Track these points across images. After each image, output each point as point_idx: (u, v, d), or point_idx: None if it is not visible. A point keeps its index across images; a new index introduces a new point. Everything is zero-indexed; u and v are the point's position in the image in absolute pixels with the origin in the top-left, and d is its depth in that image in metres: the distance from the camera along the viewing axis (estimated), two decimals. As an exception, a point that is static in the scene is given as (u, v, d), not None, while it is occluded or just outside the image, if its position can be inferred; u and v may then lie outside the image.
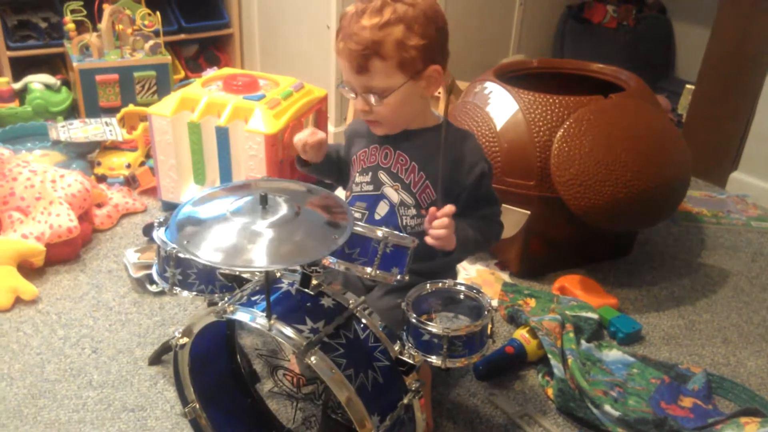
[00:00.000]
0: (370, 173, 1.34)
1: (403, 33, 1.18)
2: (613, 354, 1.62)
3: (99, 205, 2.10)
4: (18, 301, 1.75)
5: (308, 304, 1.12)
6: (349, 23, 1.20)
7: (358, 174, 1.36)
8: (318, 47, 2.63)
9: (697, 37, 2.98)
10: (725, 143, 2.51)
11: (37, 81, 2.69)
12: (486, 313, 1.12)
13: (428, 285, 1.18)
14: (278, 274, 1.18)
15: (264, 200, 1.02)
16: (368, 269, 1.13)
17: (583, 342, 1.63)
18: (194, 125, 2.01)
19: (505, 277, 1.93)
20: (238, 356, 1.35)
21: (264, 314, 1.06)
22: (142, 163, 2.36)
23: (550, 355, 1.52)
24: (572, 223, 1.77)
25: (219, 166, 2.06)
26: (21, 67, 2.78)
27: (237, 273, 1.28)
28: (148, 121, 2.08)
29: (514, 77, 2.02)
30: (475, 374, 1.55)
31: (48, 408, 1.43)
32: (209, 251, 0.96)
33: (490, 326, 1.13)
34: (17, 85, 2.68)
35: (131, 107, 2.50)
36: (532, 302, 1.77)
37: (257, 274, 1.23)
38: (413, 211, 1.31)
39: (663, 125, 1.85)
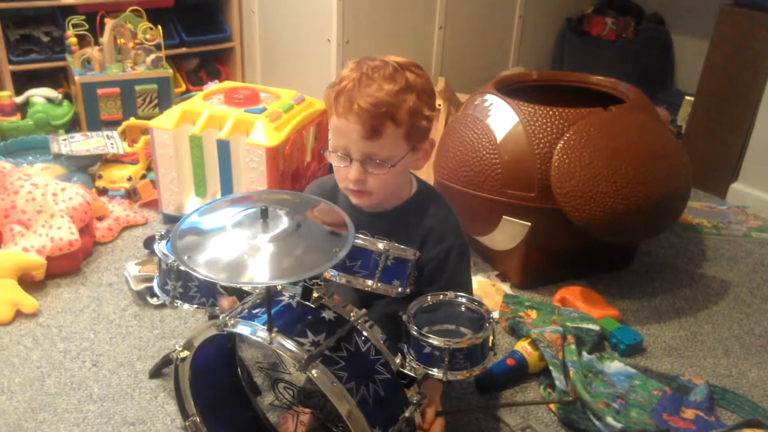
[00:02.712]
0: None
1: (415, 102, 1.18)
2: (614, 366, 1.62)
3: (100, 218, 2.10)
4: (18, 314, 1.74)
5: (309, 317, 1.12)
6: (358, 86, 1.17)
7: None
8: (318, 60, 2.65)
9: (696, 49, 2.99)
10: (725, 154, 2.51)
11: (38, 95, 2.70)
12: (487, 325, 1.12)
13: (429, 297, 1.18)
14: (279, 287, 1.18)
15: (265, 214, 1.02)
16: (369, 282, 1.13)
17: (584, 354, 1.62)
18: (195, 138, 2.02)
19: (506, 288, 1.92)
20: (239, 369, 1.35)
21: (265, 327, 1.06)
22: (143, 176, 2.37)
23: (551, 367, 1.51)
24: (573, 234, 1.77)
25: (220, 178, 2.06)
26: (23, 81, 2.80)
27: (238, 286, 1.29)
28: (149, 134, 2.09)
29: (513, 89, 2.03)
30: (476, 386, 1.54)
31: (48, 422, 1.42)
32: (210, 267, 0.96)
33: (491, 338, 1.13)
34: (19, 99, 2.69)
35: (132, 120, 2.50)
36: (534, 314, 1.77)
37: (258, 287, 1.23)
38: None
39: (663, 137, 1.86)
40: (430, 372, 1.10)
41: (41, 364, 1.58)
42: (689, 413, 1.46)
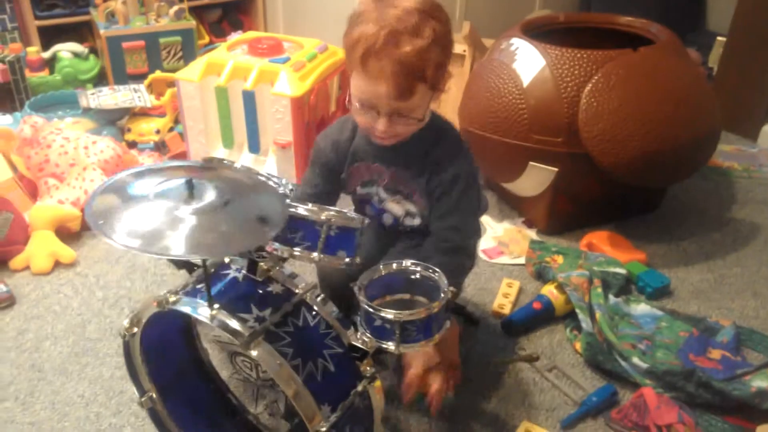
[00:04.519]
0: (371, 188, 1.36)
1: (439, 55, 1.16)
2: (641, 308, 1.63)
3: (131, 171, 2.13)
4: (57, 264, 1.80)
5: (255, 292, 1.07)
6: (385, 46, 1.13)
7: (359, 187, 1.37)
8: (341, 8, 2.60)
9: (729, -13, 2.89)
10: (757, 96, 2.46)
11: (65, 49, 2.72)
12: (442, 295, 1.07)
13: (381, 267, 1.13)
14: (227, 260, 1.12)
15: (190, 186, 0.95)
16: (314, 254, 1.07)
17: (611, 297, 1.63)
18: (221, 90, 2.03)
19: (533, 234, 1.93)
20: (199, 342, 1.30)
21: (206, 304, 1.00)
22: (171, 129, 2.39)
23: (578, 310, 1.53)
24: (600, 179, 1.76)
25: (246, 129, 2.08)
26: (49, 36, 2.82)
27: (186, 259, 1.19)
28: (175, 86, 2.10)
29: (540, 33, 1.99)
30: (503, 329, 1.57)
31: (91, 365, 1.49)
32: (126, 234, 0.89)
33: (445, 305, 1.08)
34: (46, 54, 2.72)
35: (158, 73, 2.52)
36: (560, 259, 1.78)
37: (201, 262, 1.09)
38: (418, 220, 1.36)
39: (693, 79, 1.82)
40: (382, 345, 1.05)
41: (81, 312, 1.64)
42: (716, 353, 1.48)
